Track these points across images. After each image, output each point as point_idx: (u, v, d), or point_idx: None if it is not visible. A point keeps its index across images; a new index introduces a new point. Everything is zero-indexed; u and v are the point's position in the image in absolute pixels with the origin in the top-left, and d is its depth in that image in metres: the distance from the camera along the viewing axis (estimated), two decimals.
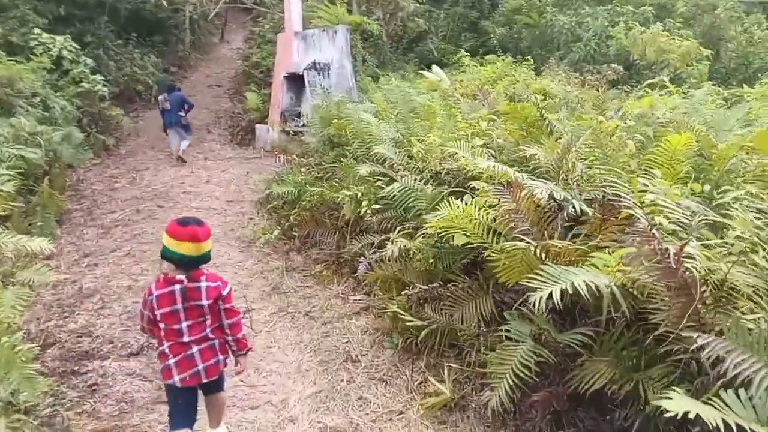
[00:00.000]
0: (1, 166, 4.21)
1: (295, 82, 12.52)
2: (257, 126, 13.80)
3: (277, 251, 6.25)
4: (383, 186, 5.09)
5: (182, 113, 11.31)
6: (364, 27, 13.32)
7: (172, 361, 2.68)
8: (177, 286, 2.67)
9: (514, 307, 3.27)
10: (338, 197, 5.51)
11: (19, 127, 7.91)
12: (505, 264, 3.00)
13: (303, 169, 6.60)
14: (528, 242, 2.93)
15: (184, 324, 2.69)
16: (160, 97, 11.65)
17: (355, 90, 11.69)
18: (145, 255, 6.26)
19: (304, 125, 12.39)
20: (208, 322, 2.74)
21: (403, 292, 4.07)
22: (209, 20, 24.49)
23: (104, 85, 12.33)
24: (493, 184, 3.75)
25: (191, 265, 2.68)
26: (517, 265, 2.94)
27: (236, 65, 21.09)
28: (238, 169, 10.39)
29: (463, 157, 4.40)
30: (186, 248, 2.63)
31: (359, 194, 5.26)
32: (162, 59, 18.59)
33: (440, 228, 3.47)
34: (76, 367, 3.87)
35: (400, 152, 5.66)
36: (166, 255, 2.68)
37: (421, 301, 4.00)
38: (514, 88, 8.01)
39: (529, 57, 13.88)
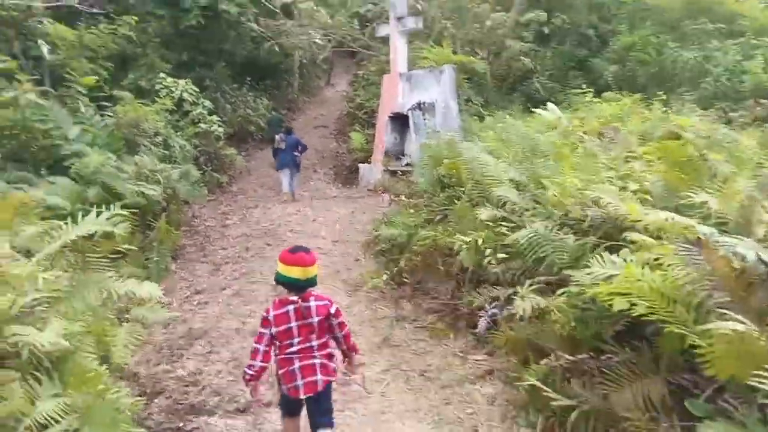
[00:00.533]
0: (116, 206, 4.16)
1: (400, 122, 12.41)
2: (361, 165, 13.81)
3: (385, 297, 5.85)
4: (508, 232, 4.57)
5: (297, 154, 11.79)
6: (469, 67, 13.02)
7: (281, 371, 2.95)
8: (291, 306, 2.92)
9: (703, 398, 2.59)
10: (454, 243, 5.04)
11: (141, 165, 8.26)
12: (712, 351, 2.31)
13: (411, 210, 6.22)
14: (744, 323, 2.25)
15: (296, 340, 2.92)
16: (277, 137, 12.23)
17: (460, 129, 11.33)
18: (253, 295, 6.12)
19: (408, 165, 12.19)
20: (314, 339, 2.95)
21: (542, 362, 3.46)
22: (316, 64, 25.61)
23: (220, 126, 12.89)
24: (659, 237, 3.12)
25: (300, 288, 2.94)
26: (732, 354, 2.26)
27: (341, 107, 21.65)
28: (344, 208, 10.27)
29: (610, 202, 3.78)
30: (295, 272, 2.91)
31: (479, 241, 4.77)
32: (273, 102, 19.47)
33: (607, 294, 2.86)
34: (182, 424, 3.63)
35: (523, 195, 5.13)
36: (279, 280, 2.97)
37: (566, 373, 3.38)
38: (644, 127, 7.23)
39: (649, 95, 12.89)
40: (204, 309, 5.82)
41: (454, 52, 13.15)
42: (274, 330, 2.89)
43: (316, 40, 15.35)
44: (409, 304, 5.52)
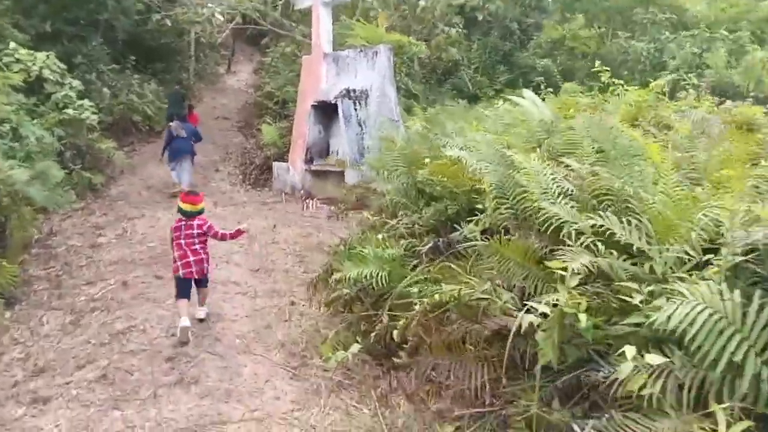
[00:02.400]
0: None
1: (324, 112, 10.37)
2: (275, 164, 11.60)
3: (359, 385, 3.66)
4: (633, 301, 2.48)
5: (193, 142, 10.31)
6: (407, 51, 11.24)
7: (179, 263, 4.72)
8: (182, 224, 4.81)
9: None
10: (488, 300, 3.01)
11: None
12: None
13: (382, 236, 4.21)
14: None
15: (183, 242, 4.75)
16: (174, 124, 10.27)
17: (400, 123, 9.51)
18: (133, 381, 3.75)
19: (336, 163, 10.20)
20: (198, 244, 4.80)
21: None
22: (215, 48, 22.67)
23: (94, 113, 10.11)
24: None
25: (190, 215, 4.80)
26: None
27: (245, 97, 19.10)
28: (259, 218, 8.07)
29: None
30: (187, 207, 4.82)
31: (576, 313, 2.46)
32: (163, 88, 16.55)
33: None
34: None
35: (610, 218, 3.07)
36: (179, 210, 4.84)
37: None
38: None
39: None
40: (38, 418, 3.41)
41: (388, 31, 11.31)
42: (173, 236, 4.84)
43: (216, 14, 12.77)
44: (407, 402, 3.35)
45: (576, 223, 2.90)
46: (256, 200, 10.25)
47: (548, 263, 2.68)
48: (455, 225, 3.83)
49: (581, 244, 2.79)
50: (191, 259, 4.64)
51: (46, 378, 3.77)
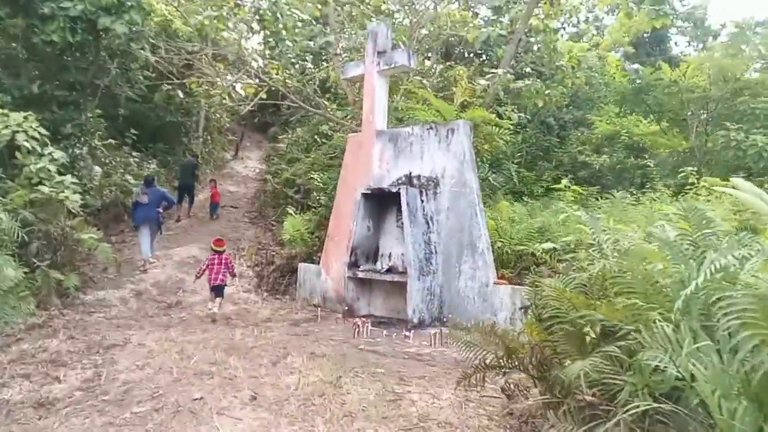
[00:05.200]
0: None
1: (374, 204, 8.08)
2: (302, 266, 9.16)
3: None
4: None
5: (160, 210, 9.77)
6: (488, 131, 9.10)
7: (211, 276, 7.67)
8: (215, 256, 7.72)
9: None
10: None
11: None
12: None
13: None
14: None
15: (215, 267, 7.69)
16: (137, 189, 9.90)
17: (482, 223, 7.17)
18: None
19: (389, 270, 7.75)
20: (223, 270, 7.70)
21: None
22: (222, 133, 20.95)
23: (76, 192, 7.75)
24: None
25: (219, 252, 7.75)
26: None
27: (257, 184, 16.98)
28: (298, 353, 5.42)
29: None
30: (218, 247, 7.83)
31: None
32: (165, 170, 14.41)
33: None
34: None
35: None
36: (212, 248, 7.94)
37: None
38: None
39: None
40: None
41: (465, 106, 9.25)
42: (207, 263, 7.77)
43: (237, 84, 10.82)
44: None
45: None
46: (281, 317, 7.66)
47: None
48: None
49: None
50: (219, 276, 7.67)
51: None
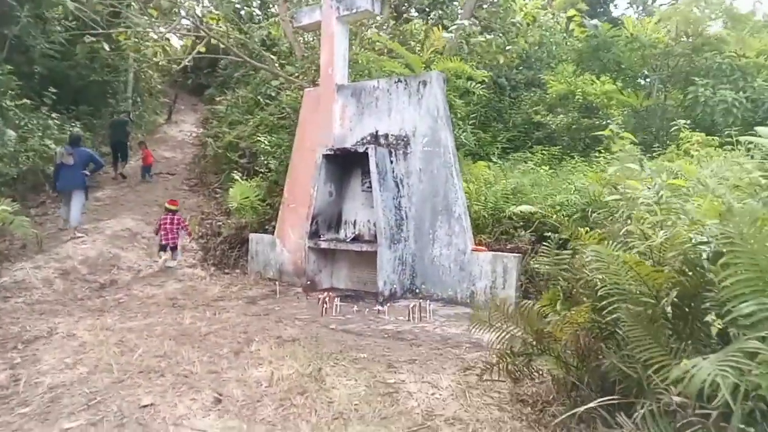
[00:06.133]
0: None
1: (336, 166, 7.31)
2: (253, 237, 8.30)
3: None
4: None
5: (87, 173, 8.73)
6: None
7: (161, 235, 8.01)
8: (168, 217, 8.01)
9: None
10: None
11: None
12: None
13: None
14: None
15: (167, 227, 8.02)
16: (60, 149, 8.73)
17: (458, 185, 6.55)
18: None
19: (355, 239, 7.07)
20: (175, 229, 8.04)
21: None
22: (154, 95, 19.25)
23: None
24: None
25: (172, 212, 8.06)
26: None
27: (194, 150, 15.65)
28: (270, 341, 4.68)
29: None
30: (172, 207, 8.13)
31: None
32: (90, 134, 12.90)
33: None
34: None
35: None
36: (166, 208, 8.17)
37: None
38: None
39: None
40: None
41: (438, 53, 8.39)
42: (159, 222, 8.08)
43: (171, 35, 9.56)
44: None
45: None
46: (234, 295, 6.83)
47: None
48: None
49: None
50: (170, 235, 7.99)
51: None
